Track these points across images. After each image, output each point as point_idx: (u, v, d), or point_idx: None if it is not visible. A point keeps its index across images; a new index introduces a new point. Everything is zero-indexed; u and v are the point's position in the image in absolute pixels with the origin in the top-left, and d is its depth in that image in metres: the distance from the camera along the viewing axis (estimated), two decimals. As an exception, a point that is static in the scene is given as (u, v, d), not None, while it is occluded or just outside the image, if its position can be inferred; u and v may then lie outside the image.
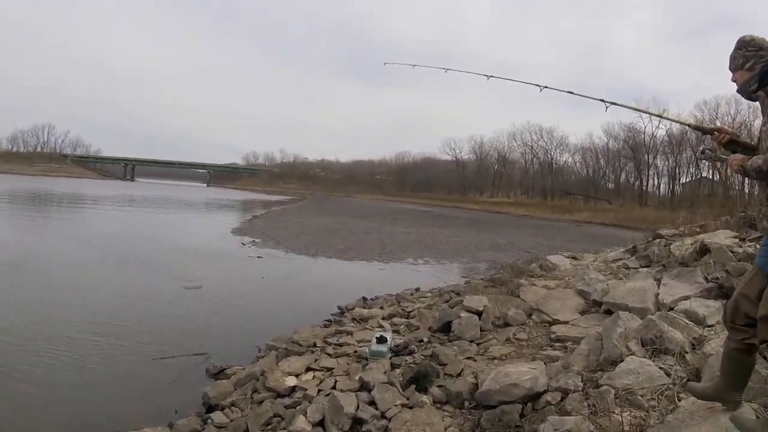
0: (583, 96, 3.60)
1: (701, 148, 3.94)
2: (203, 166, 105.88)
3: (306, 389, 4.78)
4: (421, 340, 5.94)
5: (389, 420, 3.66)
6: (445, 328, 6.12)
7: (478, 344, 5.38)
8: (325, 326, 8.48)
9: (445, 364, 4.79)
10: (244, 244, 19.77)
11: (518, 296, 6.67)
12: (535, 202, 66.71)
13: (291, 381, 4.97)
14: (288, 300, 10.95)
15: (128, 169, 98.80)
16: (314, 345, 6.58)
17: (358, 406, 3.74)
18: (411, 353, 5.45)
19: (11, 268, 11.48)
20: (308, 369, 5.47)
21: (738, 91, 2.54)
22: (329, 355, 6.06)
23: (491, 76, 4.67)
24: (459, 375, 4.58)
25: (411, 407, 3.86)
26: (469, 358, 5.01)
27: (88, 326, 7.71)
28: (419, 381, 4.23)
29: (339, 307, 10.25)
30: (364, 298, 10.95)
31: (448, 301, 8.18)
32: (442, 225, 30.42)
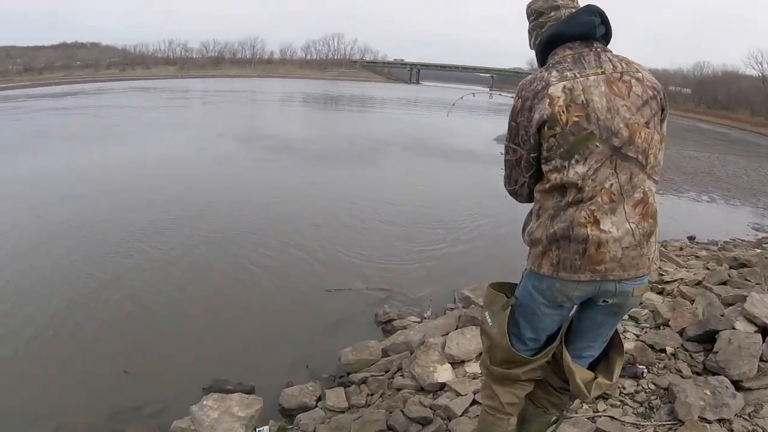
0: None
1: None
2: (486, 70, 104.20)
3: (458, 392, 3.51)
4: (664, 351, 3.69)
5: None
6: (707, 337, 3.69)
7: (747, 390, 3.08)
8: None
9: (681, 423, 2.83)
10: (502, 153, 18.63)
11: None
12: None
13: (443, 375, 3.75)
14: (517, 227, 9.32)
15: (413, 72, 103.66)
16: (509, 316, 5.10)
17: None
18: (636, 377, 3.47)
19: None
20: (480, 354, 4.16)
21: None
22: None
23: None
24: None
25: None
26: (722, 420, 2.87)
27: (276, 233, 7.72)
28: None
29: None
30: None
31: (724, 283, 5.02)
32: (741, 153, 24.32)
